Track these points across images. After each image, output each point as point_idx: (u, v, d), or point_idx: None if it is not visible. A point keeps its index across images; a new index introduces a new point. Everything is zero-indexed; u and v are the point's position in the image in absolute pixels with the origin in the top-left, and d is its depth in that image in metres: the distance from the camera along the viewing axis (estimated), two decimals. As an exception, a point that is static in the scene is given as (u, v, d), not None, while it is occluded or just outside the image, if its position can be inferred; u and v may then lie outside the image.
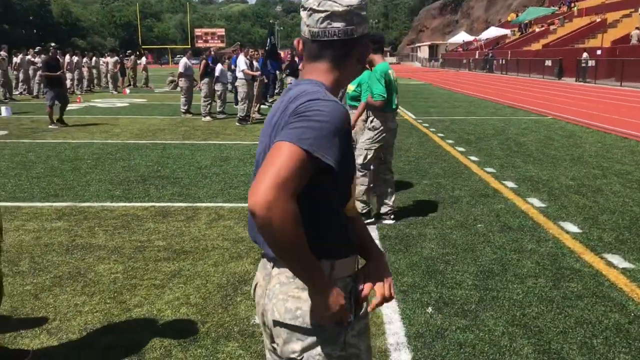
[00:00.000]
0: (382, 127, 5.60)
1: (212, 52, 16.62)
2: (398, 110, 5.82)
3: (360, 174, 5.69)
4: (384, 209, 5.78)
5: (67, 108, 14.11)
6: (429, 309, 3.77)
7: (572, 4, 53.38)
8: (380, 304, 1.67)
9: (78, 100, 19.95)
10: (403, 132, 12.29)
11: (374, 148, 5.64)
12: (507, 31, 60.61)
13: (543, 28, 52.89)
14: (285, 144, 1.42)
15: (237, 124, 13.55)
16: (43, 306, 3.78)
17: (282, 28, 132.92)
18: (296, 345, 1.58)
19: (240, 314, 3.69)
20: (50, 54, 13.64)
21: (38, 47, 22.65)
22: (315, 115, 1.46)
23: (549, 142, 10.92)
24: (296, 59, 17.35)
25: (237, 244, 5.00)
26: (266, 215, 1.35)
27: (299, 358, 1.58)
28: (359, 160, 5.66)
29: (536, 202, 6.48)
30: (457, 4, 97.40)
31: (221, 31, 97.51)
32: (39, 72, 22.12)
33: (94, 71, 27.04)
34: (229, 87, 16.45)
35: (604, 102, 19.69)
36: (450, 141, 10.98)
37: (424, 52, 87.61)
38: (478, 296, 3.98)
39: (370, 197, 5.80)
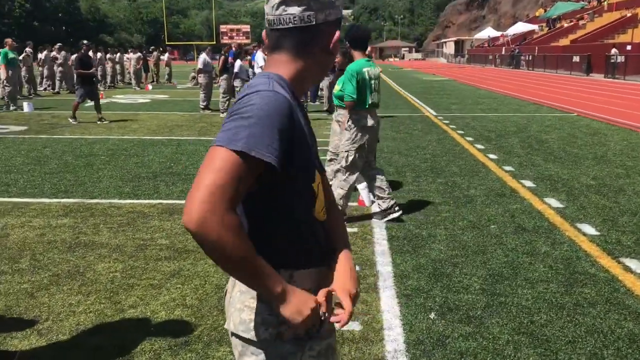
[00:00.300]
0: (355, 127, 5.45)
1: (234, 47, 16.56)
2: (378, 107, 5.66)
3: (343, 176, 5.52)
4: (384, 204, 5.58)
5: (88, 104, 14.22)
6: (432, 315, 3.62)
7: (602, -1, 52.27)
8: (342, 322, 1.48)
9: (101, 96, 20.07)
10: (422, 129, 12.09)
11: (353, 149, 5.46)
12: (534, 26, 59.59)
13: (572, 23, 51.84)
14: (216, 149, 1.30)
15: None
16: (37, 305, 3.72)
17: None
18: None
19: (236, 316, 3.57)
20: (82, 50, 13.68)
21: (59, 44, 22.86)
22: (248, 111, 1.32)
23: (572, 139, 10.61)
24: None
25: (240, 243, 4.90)
26: (201, 232, 1.23)
27: None
28: (342, 163, 5.52)
29: (554, 202, 6.25)
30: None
31: (246, 27, 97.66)
32: (59, 69, 22.40)
33: (118, 67, 27.26)
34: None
35: (633, 99, 19.16)
36: (469, 138, 10.74)
37: (449, 48, 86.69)
38: (485, 301, 3.81)
39: (346, 203, 5.56)
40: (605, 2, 50.20)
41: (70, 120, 13.04)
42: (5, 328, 3.41)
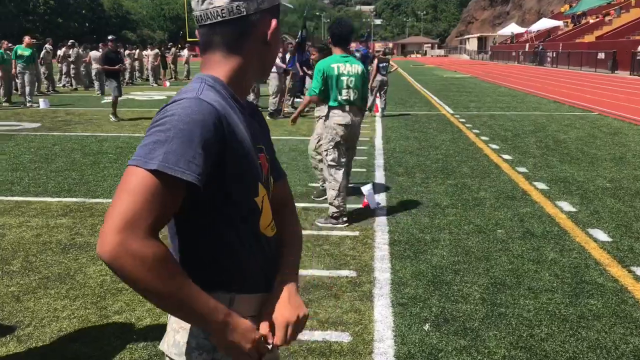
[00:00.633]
0: (327, 123, 5.44)
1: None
2: (365, 105, 5.64)
3: (328, 176, 5.44)
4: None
5: (105, 101, 14.23)
6: (426, 326, 3.45)
7: (630, -6, 51.11)
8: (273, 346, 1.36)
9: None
10: (437, 128, 11.86)
11: (330, 147, 5.42)
12: (559, 23, 58.57)
13: (598, 19, 50.83)
14: (131, 169, 1.16)
15: (268, 117, 13.37)
16: (22, 310, 3.64)
17: (328, 20, 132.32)
18: None
19: (222, 325, 3.45)
20: (109, 46, 13.67)
21: (71, 40, 22.99)
22: (166, 123, 1.18)
23: (591, 139, 10.30)
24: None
25: (236, 246, 4.78)
26: (116, 265, 1.10)
27: None
28: (324, 161, 5.51)
29: (566, 206, 6.02)
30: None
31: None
32: (72, 66, 22.49)
33: (136, 64, 27.37)
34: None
35: (658, 97, 18.66)
36: (484, 138, 10.49)
37: (472, 45, 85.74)
38: (484, 312, 3.64)
39: (344, 200, 5.44)
40: (632, -2, 49.11)
41: (112, 118, 12.91)
42: (-15, 334, 3.34)
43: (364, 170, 7.79)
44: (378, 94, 13.97)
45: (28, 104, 15.99)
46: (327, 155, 5.45)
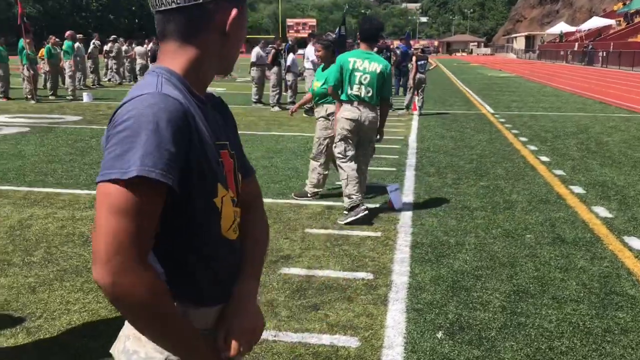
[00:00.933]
0: (337, 117, 5.53)
1: (290, 41, 16.47)
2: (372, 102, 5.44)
3: (338, 170, 5.51)
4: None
5: None
6: (439, 334, 3.32)
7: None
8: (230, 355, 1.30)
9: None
10: (474, 128, 11.59)
11: (337, 139, 5.48)
12: (611, 21, 56.70)
13: (652, 18, 48.98)
14: (103, 187, 1.09)
15: (304, 114, 13.32)
16: (35, 302, 3.66)
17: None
18: None
19: (230, 324, 3.39)
20: (155, 42, 13.76)
21: (113, 36, 23.43)
22: (132, 124, 1.10)
23: (636, 142, 9.87)
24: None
25: (255, 244, 4.72)
26: (119, 299, 1.10)
27: None
28: (335, 152, 5.56)
29: (602, 211, 5.76)
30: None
31: (312, 21, 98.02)
32: (113, 61, 22.91)
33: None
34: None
35: None
36: (523, 139, 10.18)
37: (519, 43, 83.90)
38: (502, 321, 3.48)
39: (357, 189, 5.33)
40: (691, -4, 47.12)
41: None
42: (-3, 324, 3.37)
43: (394, 169, 7.65)
44: (416, 92, 13.74)
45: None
46: (335, 147, 5.55)
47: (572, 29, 62.91)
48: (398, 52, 17.36)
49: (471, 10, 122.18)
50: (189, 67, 1.25)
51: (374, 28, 5.48)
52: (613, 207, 5.92)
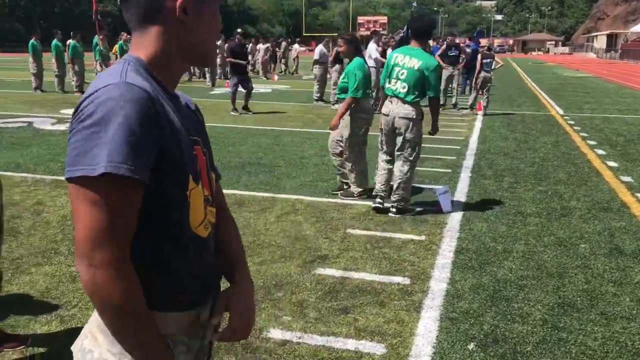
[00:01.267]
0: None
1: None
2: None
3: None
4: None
5: (214, 92, 14.56)
6: (471, 345, 3.16)
7: None
8: (224, 338, 1.38)
9: (226, 85, 20.85)
10: (540, 130, 11.12)
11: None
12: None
13: None
14: (74, 184, 1.07)
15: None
16: (73, 291, 3.76)
17: (447, 16, 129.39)
18: None
19: (257, 324, 3.36)
20: (236, 40, 13.78)
21: None
22: (98, 116, 1.06)
23: None
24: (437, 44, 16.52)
25: (294, 243, 4.68)
26: (101, 300, 1.10)
27: None
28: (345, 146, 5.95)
29: (669, 222, 5.37)
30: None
31: (383, 19, 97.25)
32: None
33: (250, 58, 28.13)
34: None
35: None
36: (592, 142, 9.67)
37: (600, 42, 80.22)
38: (541, 335, 3.28)
39: (384, 180, 5.65)
40: None
41: (232, 113, 13.02)
42: (34, 311, 3.47)
43: (449, 170, 7.43)
44: (481, 92, 13.33)
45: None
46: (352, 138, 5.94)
47: (659, 27, 59.53)
48: (468, 50, 16.91)
49: (549, 7, 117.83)
50: (153, 56, 1.22)
51: (425, 25, 5.42)
52: (682, 218, 5.51)
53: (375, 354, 3.06)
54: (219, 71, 23.38)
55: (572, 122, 12.16)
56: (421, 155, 6.10)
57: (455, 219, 5.42)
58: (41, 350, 3.05)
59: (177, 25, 1.21)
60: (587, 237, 4.94)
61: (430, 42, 20.03)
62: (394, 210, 5.43)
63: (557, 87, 22.50)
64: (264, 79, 25.73)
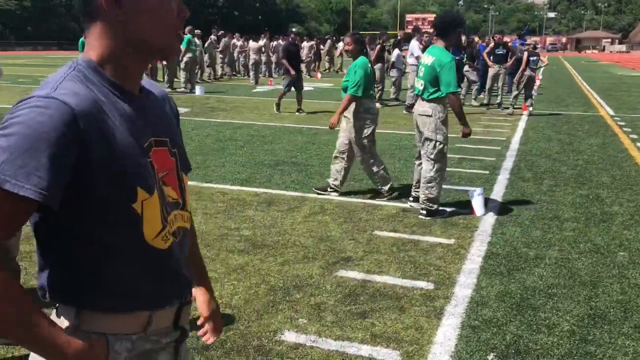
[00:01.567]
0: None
1: (399, 36, 16.20)
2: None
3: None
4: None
5: (257, 89, 14.60)
6: (490, 356, 3.04)
7: None
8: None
9: (269, 83, 20.97)
10: (587, 131, 10.73)
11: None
12: None
13: None
14: None
15: (404, 112, 13.03)
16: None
17: (497, 13, 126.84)
18: None
19: (272, 325, 3.32)
20: (290, 39, 13.76)
21: (221, 31, 24.18)
22: (8, 127, 1.04)
23: None
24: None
25: (319, 243, 4.62)
26: None
27: None
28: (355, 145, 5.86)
29: None
30: None
31: (432, 17, 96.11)
32: (219, 55, 23.68)
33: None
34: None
35: None
36: (641, 144, 9.27)
37: (660, 40, 77.07)
38: (567, 347, 3.12)
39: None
40: None
41: (275, 112, 13.09)
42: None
43: (487, 172, 7.22)
44: (524, 90, 12.94)
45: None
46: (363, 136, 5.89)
47: None
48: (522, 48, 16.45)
49: (605, 4, 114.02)
50: (102, 55, 1.17)
51: (447, 22, 5.30)
52: None
53: (389, 362, 2.97)
54: (263, 68, 23.56)
55: (622, 123, 11.68)
56: (458, 156, 5.97)
57: (487, 222, 5.26)
58: None
59: (117, 20, 1.15)
60: (627, 245, 4.71)
61: (477, 40, 19.63)
62: (424, 212, 5.31)
63: (610, 86, 21.70)
64: (308, 77, 25.76)
